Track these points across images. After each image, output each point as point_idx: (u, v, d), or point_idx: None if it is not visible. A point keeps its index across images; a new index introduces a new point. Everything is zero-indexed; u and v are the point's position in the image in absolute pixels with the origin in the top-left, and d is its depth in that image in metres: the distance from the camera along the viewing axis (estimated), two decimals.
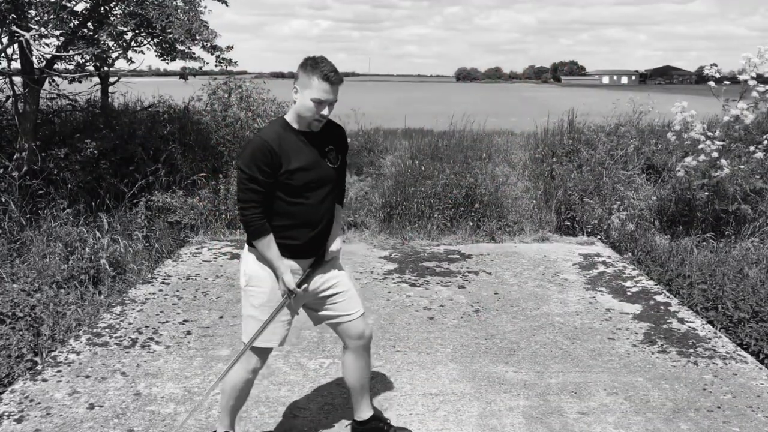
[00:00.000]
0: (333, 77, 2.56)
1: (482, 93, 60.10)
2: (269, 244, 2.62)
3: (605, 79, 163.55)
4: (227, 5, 8.71)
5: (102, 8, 7.24)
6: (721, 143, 6.60)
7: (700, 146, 6.57)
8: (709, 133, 6.72)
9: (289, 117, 2.69)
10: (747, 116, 6.64)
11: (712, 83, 7.03)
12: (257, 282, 2.72)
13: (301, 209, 2.66)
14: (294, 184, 2.61)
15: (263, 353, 2.80)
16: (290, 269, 2.64)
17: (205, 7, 7.82)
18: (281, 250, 2.67)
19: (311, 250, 2.73)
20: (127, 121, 8.24)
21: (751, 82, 6.70)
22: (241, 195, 2.62)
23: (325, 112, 2.60)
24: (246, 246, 2.77)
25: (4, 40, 6.50)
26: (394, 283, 5.40)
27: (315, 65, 2.57)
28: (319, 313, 2.89)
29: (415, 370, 3.81)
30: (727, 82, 7.07)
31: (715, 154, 6.51)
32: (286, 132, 2.64)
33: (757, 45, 6.80)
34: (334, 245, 2.86)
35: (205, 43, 8.00)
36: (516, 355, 4.03)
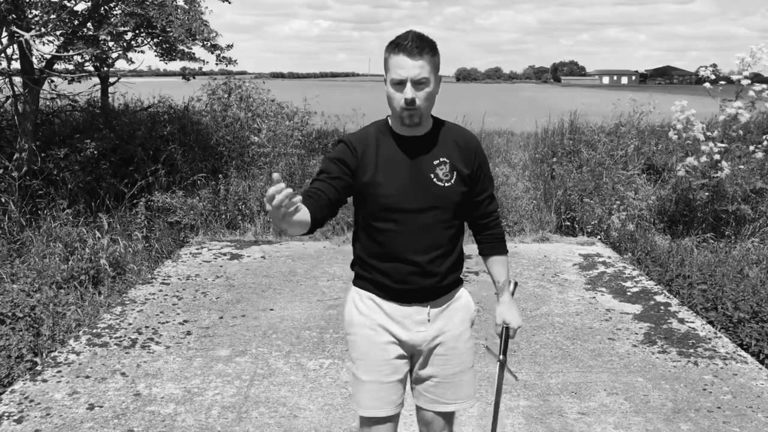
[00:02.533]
0: (408, 45, 1.92)
1: (482, 93, 60.09)
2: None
3: (605, 80, 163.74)
4: (230, 2, 8.71)
5: (102, 8, 7.24)
6: (724, 145, 6.61)
7: (702, 147, 6.58)
8: (708, 133, 6.73)
9: (390, 117, 2.10)
10: (743, 115, 6.66)
11: (707, 84, 7.05)
12: (352, 329, 2.17)
13: (393, 238, 2.04)
14: (381, 201, 2.02)
15: (374, 425, 2.17)
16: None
17: (206, 8, 7.83)
18: (374, 289, 2.11)
19: (414, 294, 2.09)
20: (127, 122, 8.25)
21: (745, 82, 6.71)
22: None
23: (408, 94, 1.93)
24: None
25: (4, 40, 6.50)
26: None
27: (392, 40, 1.97)
28: (413, 385, 2.25)
29: None
30: (723, 82, 7.09)
31: (717, 156, 6.51)
32: (382, 135, 2.07)
33: (753, 45, 6.81)
34: (514, 317, 2.25)
35: (205, 43, 8.01)
36: (516, 356, 4.03)
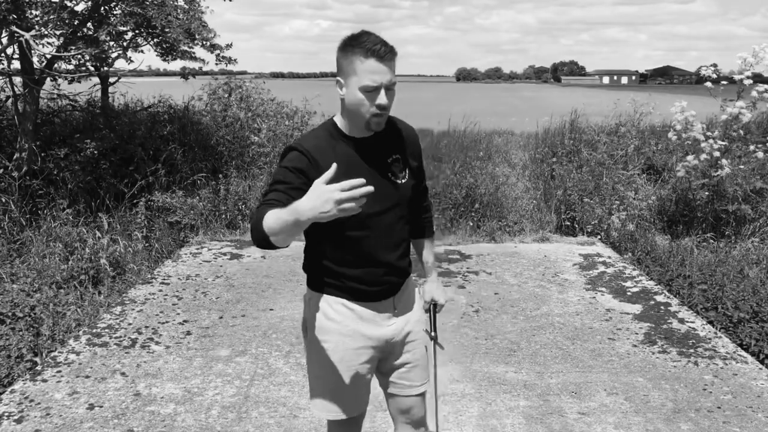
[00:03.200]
0: (381, 50, 1.86)
1: (482, 93, 60.15)
2: (274, 215, 1.66)
3: (605, 79, 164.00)
4: (230, 0, 8.70)
5: (102, 8, 7.24)
6: (723, 143, 6.61)
7: (702, 145, 6.58)
8: (708, 133, 6.73)
9: (339, 120, 2.02)
10: (745, 114, 6.66)
11: (709, 84, 7.05)
12: (323, 336, 2.10)
13: (364, 243, 2.01)
14: None
15: (343, 427, 2.20)
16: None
17: (208, 7, 7.83)
18: (346, 294, 2.06)
19: (385, 291, 2.11)
20: (127, 121, 8.25)
21: (747, 81, 6.72)
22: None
23: (383, 100, 1.89)
24: (307, 287, 2.17)
25: (4, 40, 6.50)
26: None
27: (354, 42, 1.88)
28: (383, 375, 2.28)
29: None
30: (725, 82, 7.09)
31: (716, 154, 6.51)
32: (334, 140, 1.98)
33: (755, 45, 6.82)
34: (441, 294, 2.35)
35: (204, 42, 8.02)
36: (516, 356, 4.03)
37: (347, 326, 2.08)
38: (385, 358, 2.20)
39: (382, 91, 1.89)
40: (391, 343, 2.16)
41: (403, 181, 2.07)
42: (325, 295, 2.10)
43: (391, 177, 2.04)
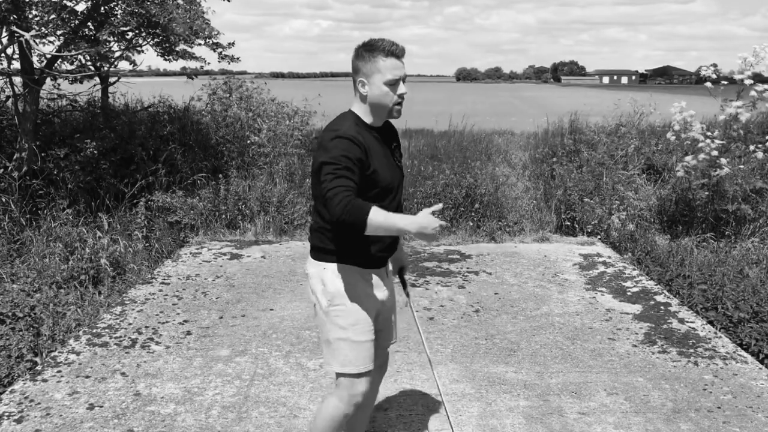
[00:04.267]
0: (396, 50, 2.31)
1: (482, 93, 60.16)
2: (383, 215, 2.09)
3: (605, 79, 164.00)
4: (229, 0, 8.70)
5: (102, 8, 7.24)
6: (721, 142, 6.61)
7: (700, 145, 6.58)
8: (708, 133, 6.73)
9: (359, 111, 2.39)
10: (743, 114, 6.66)
11: (708, 84, 7.05)
12: (344, 299, 2.40)
13: None
14: (380, 184, 2.34)
15: (365, 378, 2.46)
16: (376, 281, 2.46)
17: (209, 7, 7.85)
18: (361, 261, 2.42)
19: (387, 257, 2.54)
20: (127, 121, 8.24)
21: (748, 81, 6.72)
22: (329, 185, 2.14)
23: (403, 90, 2.34)
24: (313, 261, 2.46)
25: (4, 40, 6.50)
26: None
27: (372, 47, 2.31)
28: None
29: (415, 370, 3.81)
30: (725, 82, 7.09)
31: (715, 153, 6.51)
32: (359, 128, 2.34)
33: (756, 45, 6.82)
34: (406, 260, 2.89)
35: (207, 40, 8.01)
36: (516, 356, 4.03)
37: (364, 290, 2.44)
38: (375, 318, 2.52)
39: (401, 83, 2.34)
40: (384, 303, 2.56)
41: (401, 164, 2.54)
42: (342, 264, 2.40)
43: (396, 161, 2.49)
